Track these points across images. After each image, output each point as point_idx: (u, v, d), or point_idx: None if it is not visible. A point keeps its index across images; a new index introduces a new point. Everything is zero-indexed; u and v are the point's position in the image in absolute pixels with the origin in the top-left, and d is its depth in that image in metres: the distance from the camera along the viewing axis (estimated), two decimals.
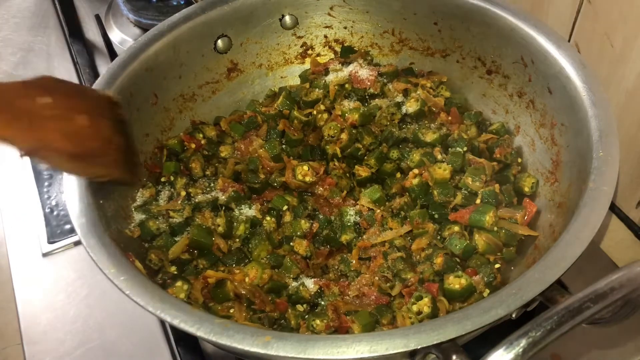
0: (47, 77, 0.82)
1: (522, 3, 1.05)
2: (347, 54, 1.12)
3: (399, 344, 0.57)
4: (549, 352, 0.89)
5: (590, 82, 0.80)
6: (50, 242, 1.08)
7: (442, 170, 0.91)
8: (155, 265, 0.85)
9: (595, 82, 0.81)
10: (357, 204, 0.95)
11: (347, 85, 1.05)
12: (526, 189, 0.91)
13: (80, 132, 0.81)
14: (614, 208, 1.00)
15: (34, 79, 0.80)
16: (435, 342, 0.57)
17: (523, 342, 0.55)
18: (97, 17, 1.45)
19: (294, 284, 0.85)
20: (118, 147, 0.85)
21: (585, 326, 0.61)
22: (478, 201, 0.88)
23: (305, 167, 0.97)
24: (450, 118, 1.00)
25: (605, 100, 0.78)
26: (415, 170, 0.93)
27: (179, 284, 0.81)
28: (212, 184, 0.96)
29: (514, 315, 0.62)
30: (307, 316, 0.82)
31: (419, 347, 0.57)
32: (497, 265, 0.84)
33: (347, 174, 1.00)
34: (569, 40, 0.97)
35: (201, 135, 1.02)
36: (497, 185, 0.89)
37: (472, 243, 0.85)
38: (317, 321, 0.79)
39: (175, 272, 0.86)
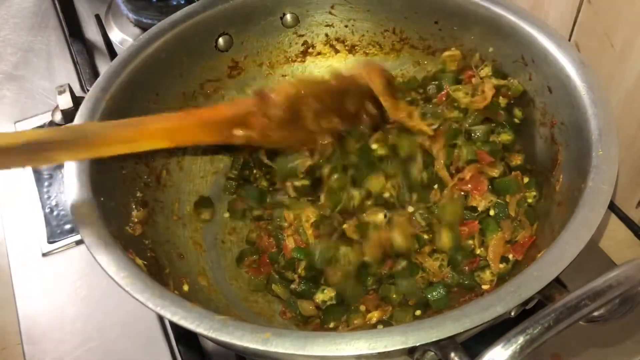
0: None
1: (522, 3, 1.05)
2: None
3: (398, 341, 0.57)
4: (549, 352, 0.89)
5: (590, 81, 0.80)
6: (50, 242, 1.08)
7: None
8: None
9: (595, 81, 0.80)
10: None
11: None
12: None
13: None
14: (613, 207, 1.00)
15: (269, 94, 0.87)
16: (433, 340, 0.57)
17: (521, 339, 0.55)
18: (97, 17, 1.45)
19: None
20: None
21: (583, 324, 0.61)
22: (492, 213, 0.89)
23: None
24: None
25: (605, 99, 0.78)
26: None
27: None
28: None
29: (512, 313, 0.62)
30: None
31: (417, 345, 0.57)
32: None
33: None
34: (569, 40, 0.97)
35: None
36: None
37: None
38: None
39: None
